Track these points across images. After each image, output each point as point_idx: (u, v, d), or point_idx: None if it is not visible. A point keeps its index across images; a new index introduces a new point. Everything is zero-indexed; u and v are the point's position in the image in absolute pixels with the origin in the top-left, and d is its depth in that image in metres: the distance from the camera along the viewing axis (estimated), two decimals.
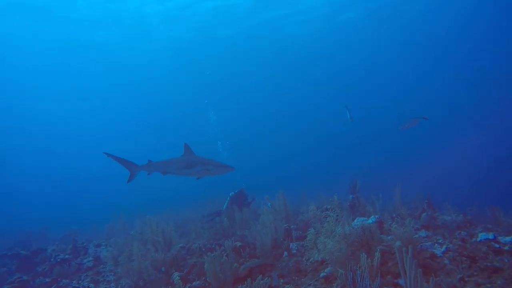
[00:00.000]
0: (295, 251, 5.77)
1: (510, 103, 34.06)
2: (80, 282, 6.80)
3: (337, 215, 5.24)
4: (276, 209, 7.44)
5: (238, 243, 6.02)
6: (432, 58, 33.70)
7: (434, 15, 24.76)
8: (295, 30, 25.42)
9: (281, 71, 36.03)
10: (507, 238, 4.26)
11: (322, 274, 4.72)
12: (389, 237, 5.23)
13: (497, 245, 4.19)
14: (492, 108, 35.89)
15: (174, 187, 26.36)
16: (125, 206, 12.47)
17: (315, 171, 31.98)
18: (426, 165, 27.57)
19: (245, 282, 4.24)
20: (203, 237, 7.84)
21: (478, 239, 4.55)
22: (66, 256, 7.71)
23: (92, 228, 11.58)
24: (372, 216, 5.98)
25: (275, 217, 6.58)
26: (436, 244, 5.03)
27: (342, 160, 36.86)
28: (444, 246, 4.83)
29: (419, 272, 3.28)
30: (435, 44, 30.25)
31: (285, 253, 5.74)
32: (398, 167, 29.60)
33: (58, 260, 7.51)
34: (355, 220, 5.92)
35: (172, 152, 7.35)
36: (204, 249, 6.72)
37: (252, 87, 39.76)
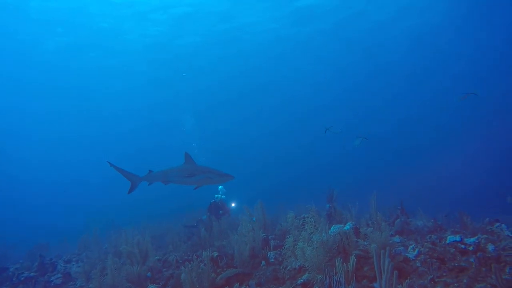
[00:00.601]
0: (273, 260, 5.76)
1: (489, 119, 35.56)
2: None
3: (314, 223, 5.32)
4: (253, 220, 7.45)
5: (216, 253, 5.95)
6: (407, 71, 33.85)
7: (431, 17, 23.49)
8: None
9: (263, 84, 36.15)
10: (472, 239, 4.47)
11: (299, 281, 4.75)
12: (365, 242, 5.36)
13: (463, 246, 4.39)
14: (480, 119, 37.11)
15: (154, 196, 25.78)
16: (103, 215, 12.02)
17: (299, 182, 32.08)
18: (411, 172, 28.39)
19: None
20: (180, 249, 7.69)
21: (447, 242, 4.74)
22: (31, 274, 7.28)
23: (63, 241, 11.04)
24: (349, 223, 6.08)
25: (253, 227, 6.58)
26: (409, 248, 5.19)
27: (326, 171, 37.09)
28: (416, 250, 5.00)
29: (395, 274, 3.37)
30: (419, 54, 29.36)
31: (263, 262, 5.72)
32: (380, 176, 30.28)
33: (22, 278, 7.06)
34: (332, 228, 6.00)
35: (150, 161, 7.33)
36: (181, 261, 6.58)
37: (236, 98, 39.66)
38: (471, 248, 4.31)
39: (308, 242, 4.93)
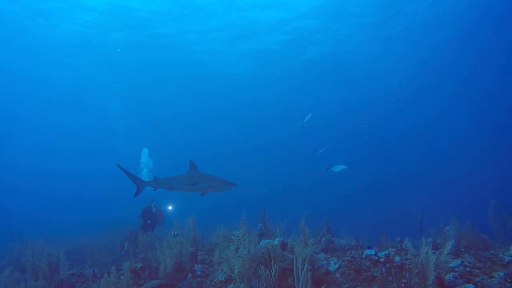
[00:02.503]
0: (199, 273, 5.60)
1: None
2: None
3: (242, 237, 5.35)
4: (184, 233, 7.21)
5: (139, 264, 5.58)
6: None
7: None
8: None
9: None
10: (383, 253, 4.91)
11: None
12: (291, 256, 5.52)
13: (376, 258, 4.79)
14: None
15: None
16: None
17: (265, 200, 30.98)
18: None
19: None
20: (100, 263, 7.03)
21: (364, 256, 5.12)
22: None
23: None
24: (278, 238, 6.26)
25: (182, 241, 6.36)
26: (331, 262, 5.48)
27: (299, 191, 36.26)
28: (337, 264, 5.30)
29: (309, 276, 3.53)
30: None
31: (189, 275, 5.52)
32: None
33: None
34: (261, 242, 6.12)
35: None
36: (99, 275, 6.01)
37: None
38: (382, 259, 4.71)
39: (235, 254, 4.93)
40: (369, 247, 5.65)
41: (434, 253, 3.70)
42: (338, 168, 9.07)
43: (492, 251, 4.81)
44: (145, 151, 11.66)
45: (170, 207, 9.30)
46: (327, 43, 22.99)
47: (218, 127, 40.27)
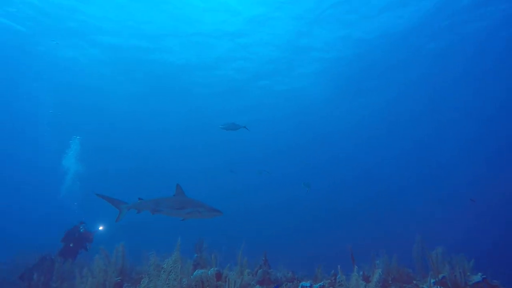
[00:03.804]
0: None
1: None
2: None
3: (175, 265, 5.01)
4: (111, 261, 6.53)
5: None
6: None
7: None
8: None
9: None
10: (318, 285, 4.94)
11: None
12: (226, 286, 5.27)
13: None
14: None
15: None
16: None
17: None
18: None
19: None
20: None
21: (299, 287, 5.09)
22: None
23: None
24: (213, 268, 6.00)
25: (107, 269, 5.74)
26: None
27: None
28: None
29: None
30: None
31: None
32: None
33: None
34: (195, 272, 5.81)
35: None
36: None
37: None
38: None
39: (165, 284, 4.56)
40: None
41: (365, 285, 3.81)
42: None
43: (414, 282, 5.12)
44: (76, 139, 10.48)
45: (101, 227, 8.41)
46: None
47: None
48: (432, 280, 5.06)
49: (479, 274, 5.22)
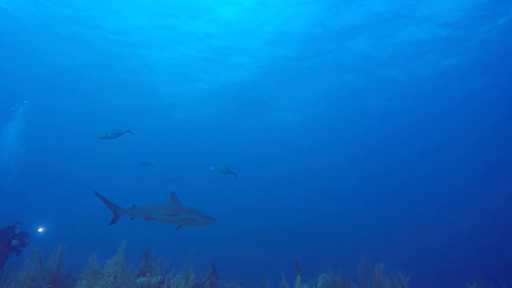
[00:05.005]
0: None
1: None
2: None
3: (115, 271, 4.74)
4: (44, 267, 6.01)
5: None
6: None
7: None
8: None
9: None
10: None
11: None
12: None
13: None
14: None
15: None
16: None
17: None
18: None
19: None
20: None
21: None
22: None
23: None
24: (158, 276, 5.82)
25: (36, 276, 5.28)
26: None
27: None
28: None
29: None
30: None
31: None
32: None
33: None
34: (138, 279, 5.62)
35: None
36: None
37: None
38: None
39: None
40: None
41: None
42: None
43: None
44: None
45: (41, 229, 7.68)
46: None
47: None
48: None
49: None
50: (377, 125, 26.60)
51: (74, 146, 32.17)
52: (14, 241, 7.17)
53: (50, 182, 36.07)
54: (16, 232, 7.27)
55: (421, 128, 27.06)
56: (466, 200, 32.24)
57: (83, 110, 26.52)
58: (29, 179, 30.49)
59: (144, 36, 17.93)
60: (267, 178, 36.28)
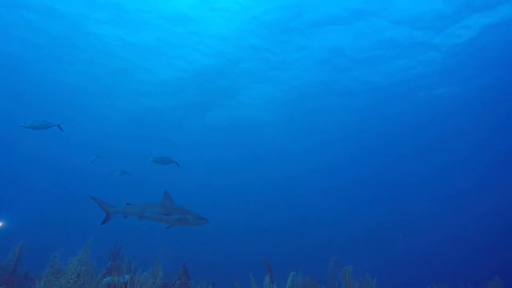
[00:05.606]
0: None
1: None
2: None
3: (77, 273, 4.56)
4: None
5: None
6: None
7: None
8: None
9: None
10: None
11: None
12: None
13: None
14: None
15: None
16: None
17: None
18: None
19: None
20: None
21: None
22: None
23: None
24: (125, 276, 5.65)
25: None
26: None
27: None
28: None
29: None
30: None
31: None
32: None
33: None
34: (105, 278, 5.45)
35: None
36: None
37: None
38: None
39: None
40: None
41: None
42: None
43: None
44: None
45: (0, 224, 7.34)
46: None
47: None
48: None
49: None
50: (357, 126, 26.47)
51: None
52: None
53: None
54: None
55: (400, 131, 26.96)
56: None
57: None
58: None
59: (116, 16, 15.49)
60: (240, 178, 36.11)
